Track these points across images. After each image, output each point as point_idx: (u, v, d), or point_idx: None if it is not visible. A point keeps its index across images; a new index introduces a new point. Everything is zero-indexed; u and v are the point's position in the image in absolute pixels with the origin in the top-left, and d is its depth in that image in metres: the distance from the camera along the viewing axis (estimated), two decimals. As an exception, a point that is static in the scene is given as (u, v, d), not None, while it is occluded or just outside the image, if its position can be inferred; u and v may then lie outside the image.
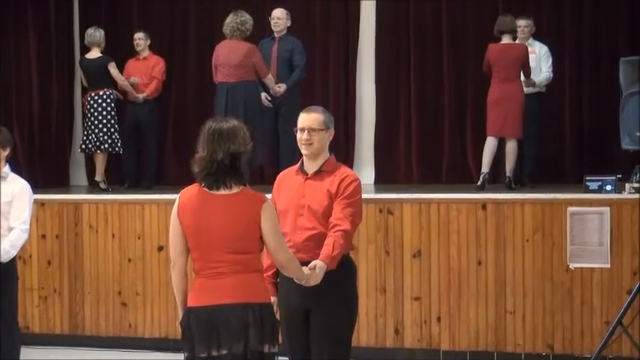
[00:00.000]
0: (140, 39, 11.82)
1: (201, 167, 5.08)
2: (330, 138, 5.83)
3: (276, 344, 5.11)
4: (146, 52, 11.84)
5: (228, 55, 10.32)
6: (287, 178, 5.86)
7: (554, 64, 11.01)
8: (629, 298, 7.96)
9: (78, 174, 12.78)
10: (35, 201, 9.19)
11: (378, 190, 10.85)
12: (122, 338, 9.79)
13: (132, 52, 11.89)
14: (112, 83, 11.41)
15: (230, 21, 10.42)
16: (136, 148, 11.81)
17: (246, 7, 11.03)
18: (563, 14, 11.63)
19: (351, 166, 11.97)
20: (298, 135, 5.75)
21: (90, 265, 9.89)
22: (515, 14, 10.68)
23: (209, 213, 5.03)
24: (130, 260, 9.77)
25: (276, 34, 10.96)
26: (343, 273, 5.63)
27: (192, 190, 5.13)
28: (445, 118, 11.95)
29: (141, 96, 11.57)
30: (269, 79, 10.51)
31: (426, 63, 12.04)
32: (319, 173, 5.74)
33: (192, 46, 12.65)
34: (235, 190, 5.06)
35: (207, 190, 5.07)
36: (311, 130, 5.71)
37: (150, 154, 11.82)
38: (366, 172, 12.12)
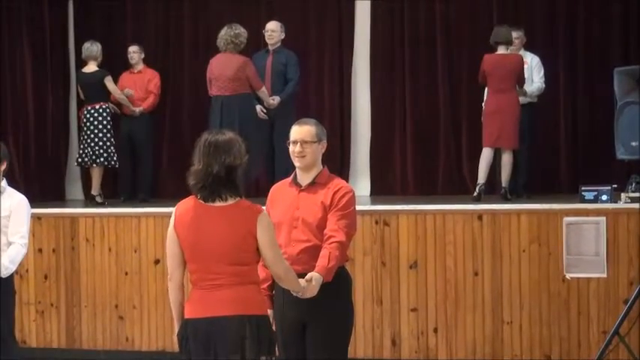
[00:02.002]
0: (134, 52, 11.80)
1: (196, 180, 5.07)
2: (323, 150, 5.84)
3: (273, 356, 5.12)
4: (140, 66, 11.83)
5: (222, 69, 10.34)
6: (280, 190, 5.88)
7: (548, 74, 11.03)
8: (625, 308, 7.96)
9: (74, 188, 12.77)
10: (32, 215, 9.19)
11: (373, 202, 10.87)
12: (119, 352, 9.78)
13: (126, 66, 11.89)
14: (109, 97, 11.43)
15: (224, 34, 10.44)
16: (131, 162, 11.79)
17: (241, 19, 11.06)
18: (556, 25, 11.66)
19: (346, 178, 12.14)
20: (291, 147, 5.77)
21: (87, 279, 9.89)
22: (510, 24, 10.70)
23: (206, 225, 5.04)
24: (126, 274, 9.77)
25: (270, 47, 10.98)
26: (338, 285, 5.64)
27: (188, 203, 5.13)
28: (440, 129, 11.96)
29: (137, 109, 11.57)
30: (262, 92, 10.53)
31: (420, 74, 12.05)
32: (313, 185, 5.75)
33: (187, 59, 12.66)
34: (231, 201, 5.06)
35: (203, 202, 5.08)
36: (303, 142, 5.73)
37: (145, 167, 11.81)
38: (361, 183, 12.12)
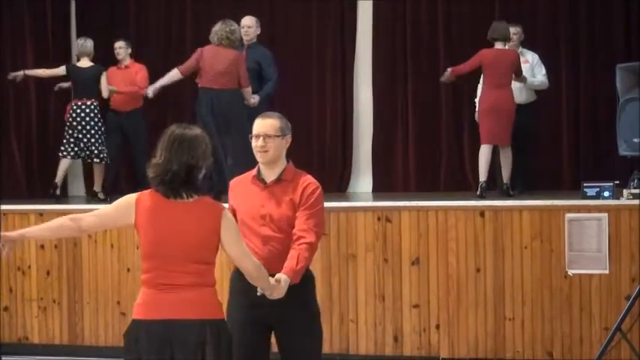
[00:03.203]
0: (121, 48, 11.70)
1: (155, 174, 4.94)
2: (287, 145, 5.61)
3: None
4: (127, 61, 11.72)
5: (213, 62, 10.22)
6: (242, 186, 5.65)
7: (550, 71, 11.02)
8: (627, 304, 7.97)
9: (76, 185, 12.77)
10: (34, 211, 9.20)
11: (375, 198, 10.87)
12: (121, 348, 9.73)
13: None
14: (99, 94, 11.28)
15: (219, 29, 10.33)
16: (122, 158, 11.69)
17: (242, 16, 11.05)
18: (559, 21, 11.66)
19: (348, 174, 12.19)
20: (253, 142, 5.55)
21: (89, 276, 9.89)
22: (510, 21, 10.70)
23: (168, 222, 4.88)
24: (128, 270, 9.76)
25: (245, 42, 10.83)
26: (305, 285, 5.49)
27: (148, 197, 4.98)
28: (442, 126, 11.97)
29: (111, 88, 11.37)
30: (247, 91, 10.38)
31: (422, 71, 12.07)
32: (279, 182, 5.55)
33: (189, 54, 12.62)
34: (191, 199, 4.91)
35: (163, 197, 4.92)
36: (266, 136, 5.50)
37: (142, 163, 11.67)
38: (363, 180, 12.15)
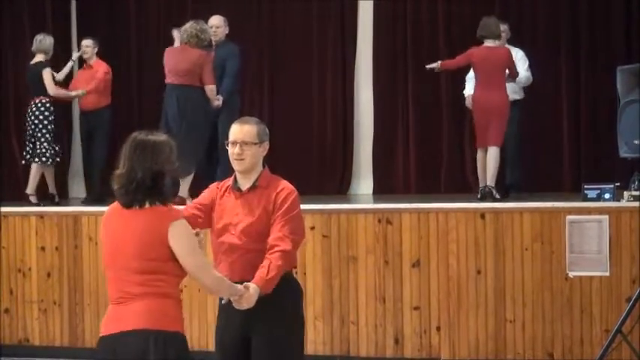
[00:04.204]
0: (87, 46, 11.47)
1: (119, 185, 4.71)
2: (265, 152, 5.43)
3: None
4: (93, 60, 11.50)
5: (176, 62, 10.19)
6: (221, 192, 5.47)
7: (550, 71, 11.00)
8: (628, 306, 7.97)
9: (77, 186, 12.76)
10: (34, 213, 9.19)
11: (376, 200, 10.87)
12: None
13: (128, 60, 11.81)
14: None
15: (189, 27, 10.24)
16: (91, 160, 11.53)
17: (243, 16, 11.04)
18: (559, 22, 11.65)
19: (349, 177, 12.18)
20: (230, 149, 5.37)
21: (89, 277, 9.89)
22: (506, 20, 10.67)
23: (121, 231, 4.70)
24: (129, 272, 9.76)
25: (214, 42, 10.69)
26: (286, 295, 5.30)
27: (112, 208, 4.84)
28: (443, 127, 11.95)
29: (76, 93, 11.20)
30: (210, 90, 10.23)
31: (423, 71, 12.01)
32: (253, 189, 5.37)
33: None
34: (148, 206, 4.68)
35: (124, 207, 4.73)
36: (243, 143, 5.32)
37: (98, 165, 11.29)
38: (364, 182, 12.14)
